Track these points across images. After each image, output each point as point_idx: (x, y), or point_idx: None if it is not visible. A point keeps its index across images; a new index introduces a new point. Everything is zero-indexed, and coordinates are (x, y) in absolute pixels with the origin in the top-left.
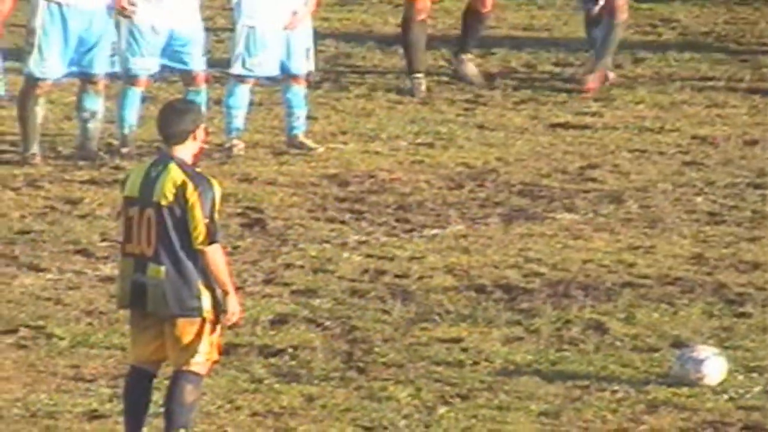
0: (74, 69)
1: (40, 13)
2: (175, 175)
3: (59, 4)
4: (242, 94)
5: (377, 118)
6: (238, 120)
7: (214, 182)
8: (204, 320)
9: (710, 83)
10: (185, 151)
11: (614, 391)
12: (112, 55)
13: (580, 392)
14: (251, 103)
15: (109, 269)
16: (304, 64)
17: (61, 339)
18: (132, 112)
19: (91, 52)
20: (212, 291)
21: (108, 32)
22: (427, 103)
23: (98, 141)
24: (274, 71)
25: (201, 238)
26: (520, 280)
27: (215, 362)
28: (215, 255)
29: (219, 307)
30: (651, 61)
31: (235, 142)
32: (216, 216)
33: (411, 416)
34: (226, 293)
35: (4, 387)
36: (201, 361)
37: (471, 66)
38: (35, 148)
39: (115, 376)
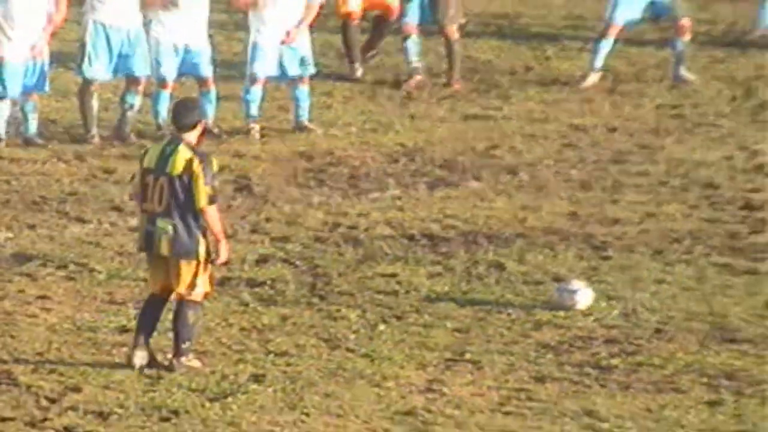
0: (119, 72)
1: (89, 29)
2: (184, 152)
3: (103, 24)
4: (255, 91)
5: (335, 110)
6: (253, 110)
7: (213, 158)
8: (199, 262)
9: (582, 85)
10: (191, 135)
11: (509, 314)
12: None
13: (484, 314)
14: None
15: (135, 221)
16: (306, 68)
17: (99, 273)
18: (163, 108)
19: (131, 59)
20: (207, 240)
21: (143, 43)
22: (372, 99)
23: (131, 126)
24: (275, 73)
25: (203, 201)
26: (440, 231)
27: (208, 293)
28: (213, 213)
29: (211, 253)
30: (537, 69)
31: (252, 125)
32: (216, 183)
33: (358, 331)
34: (218, 241)
35: (57, 309)
36: (199, 292)
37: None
38: (94, 131)
39: (139, 300)
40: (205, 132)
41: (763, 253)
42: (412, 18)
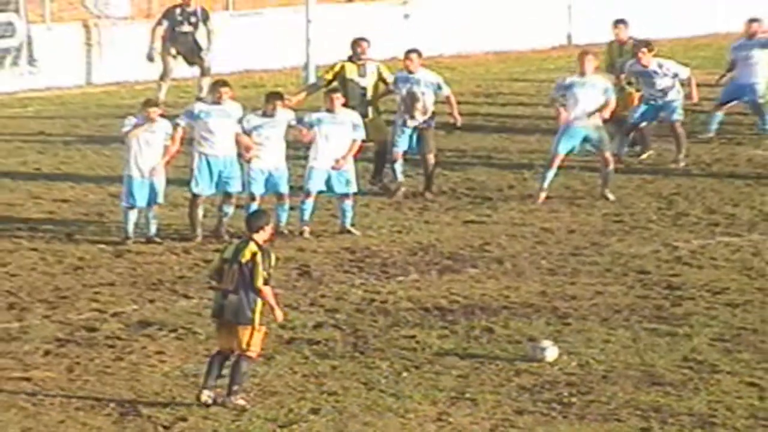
0: (218, 189)
1: (196, 158)
2: (251, 247)
3: (206, 154)
4: (308, 203)
5: (371, 217)
6: (306, 216)
7: (273, 253)
8: (253, 327)
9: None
10: (259, 236)
11: (497, 365)
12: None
13: (479, 365)
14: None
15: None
16: (350, 187)
17: (200, 335)
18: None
19: (228, 179)
20: (261, 312)
21: (236, 168)
22: (398, 209)
23: (225, 228)
24: (323, 188)
25: (260, 282)
26: (447, 305)
27: (260, 353)
28: (267, 290)
29: (265, 319)
30: (517, 188)
31: (304, 228)
32: (271, 270)
33: (388, 377)
34: (272, 309)
35: (169, 360)
36: (254, 351)
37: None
38: (198, 232)
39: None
40: (275, 233)
41: (681, 320)
42: (401, 147)
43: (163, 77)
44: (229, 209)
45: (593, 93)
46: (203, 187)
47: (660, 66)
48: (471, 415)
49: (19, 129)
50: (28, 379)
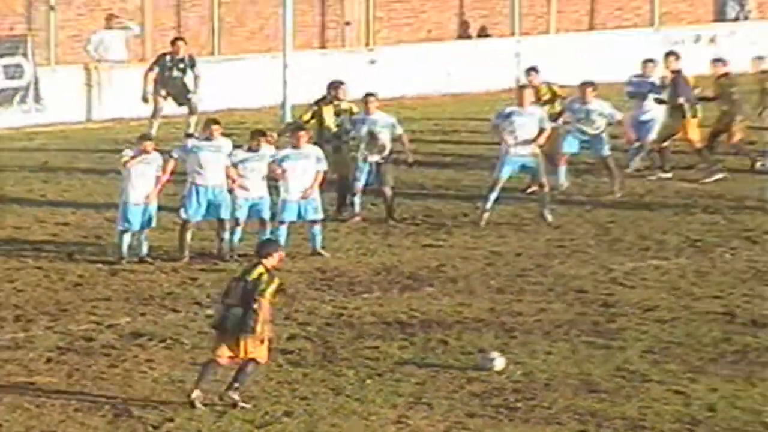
0: (209, 216)
1: (187, 187)
2: (260, 269)
3: (197, 185)
4: (283, 230)
5: (339, 240)
6: (281, 240)
7: (277, 276)
8: (256, 337)
9: (481, 223)
10: (268, 261)
11: (451, 373)
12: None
13: (435, 373)
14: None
15: (210, 311)
16: (318, 214)
17: (187, 345)
18: (236, 237)
19: (218, 207)
20: (261, 324)
21: (226, 197)
22: (364, 233)
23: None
24: (295, 217)
25: (267, 295)
26: (407, 319)
27: (266, 360)
28: (265, 304)
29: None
30: (470, 216)
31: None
32: (273, 290)
33: (354, 384)
34: (262, 322)
35: (158, 368)
36: (261, 357)
37: None
38: (186, 254)
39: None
40: (282, 260)
41: (615, 335)
42: (362, 182)
43: (154, 115)
44: (225, 234)
45: (530, 122)
46: (192, 213)
47: (599, 105)
48: (427, 418)
49: (26, 160)
50: (32, 384)
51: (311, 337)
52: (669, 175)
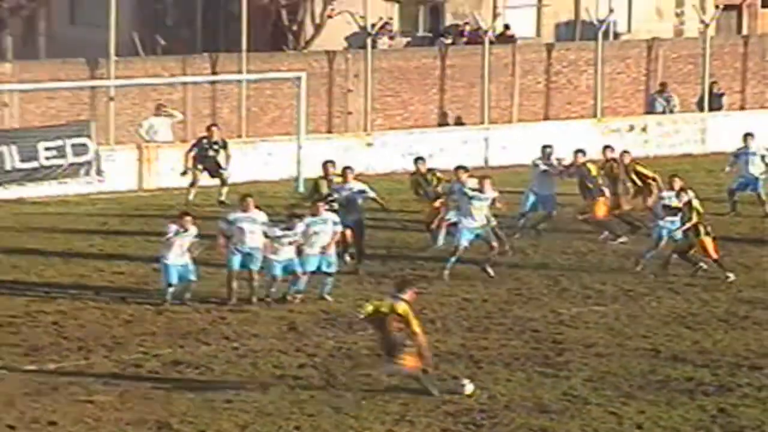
0: (245, 267)
1: (231, 248)
2: (403, 304)
3: (237, 245)
4: (304, 279)
5: (340, 289)
6: (302, 287)
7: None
8: (404, 358)
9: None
10: (406, 295)
11: (428, 396)
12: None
13: (417, 397)
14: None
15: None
16: (332, 268)
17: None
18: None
19: (252, 261)
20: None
21: (259, 255)
22: (360, 282)
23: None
24: (315, 269)
25: (416, 328)
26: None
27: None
28: (420, 335)
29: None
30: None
31: (298, 297)
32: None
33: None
34: (421, 348)
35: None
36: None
37: None
38: (234, 299)
39: None
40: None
41: (562, 366)
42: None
43: (192, 185)
44: (254, 283)
45: (485, 203)
46: (233, 264)
47: (471, 184)
48: None
49: (89, 222)
50: (91, 402)
51: (317, 365)
52: (623, 239)
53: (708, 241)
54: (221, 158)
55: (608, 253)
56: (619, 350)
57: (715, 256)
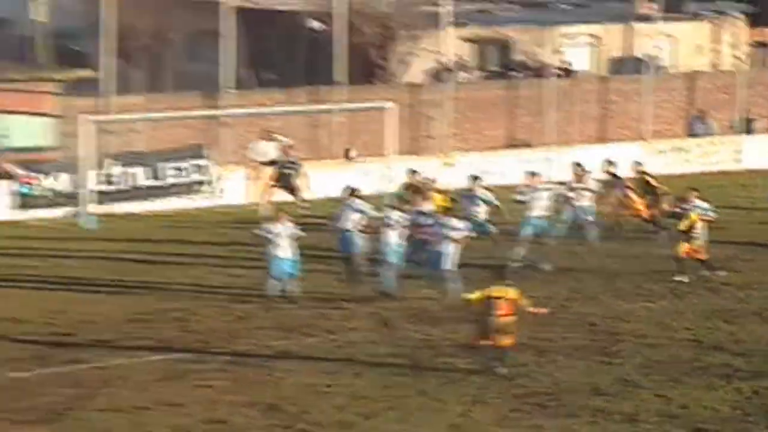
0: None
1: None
2: (513, 290)
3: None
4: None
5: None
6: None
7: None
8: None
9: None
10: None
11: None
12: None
13: None
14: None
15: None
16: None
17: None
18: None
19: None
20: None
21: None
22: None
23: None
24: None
25: (522, 306)
26: None
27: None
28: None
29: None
30: None
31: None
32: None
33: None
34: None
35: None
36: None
37: None
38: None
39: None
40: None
41: (617, 355)
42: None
43: (295, 195)
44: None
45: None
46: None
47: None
48: (484, 412)
49: (210, 230)
50: (210, 386)
51: (405, 354)
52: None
53: (693, 247)
54: (295, 176)
55: (655, 258)
56: (666, 341)
57: (701, 257)
